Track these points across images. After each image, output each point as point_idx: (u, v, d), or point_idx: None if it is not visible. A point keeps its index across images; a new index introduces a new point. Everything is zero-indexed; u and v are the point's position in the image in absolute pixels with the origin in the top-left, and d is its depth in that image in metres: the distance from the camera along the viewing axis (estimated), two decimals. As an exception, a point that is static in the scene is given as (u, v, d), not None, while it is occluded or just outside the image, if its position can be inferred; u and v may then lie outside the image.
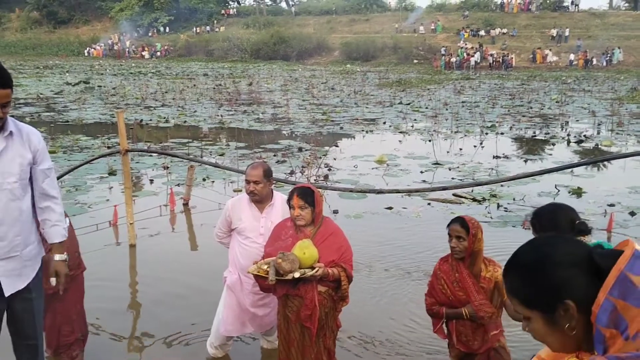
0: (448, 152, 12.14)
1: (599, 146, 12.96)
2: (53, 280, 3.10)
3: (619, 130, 15.06)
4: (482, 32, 47.95)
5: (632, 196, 8.59)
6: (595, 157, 11.24)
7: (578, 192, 8.68)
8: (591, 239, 2.60)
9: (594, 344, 1.09)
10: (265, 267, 3.23)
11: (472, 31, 48.18)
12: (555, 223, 2.62)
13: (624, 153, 7.46)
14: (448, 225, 3.18)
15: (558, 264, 1.13)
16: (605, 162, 10.96)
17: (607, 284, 1.07)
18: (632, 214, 7.71)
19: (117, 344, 4.41)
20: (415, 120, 17.09)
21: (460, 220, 3.14)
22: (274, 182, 3.92)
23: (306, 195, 3.35)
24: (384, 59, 47.15)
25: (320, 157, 11.36)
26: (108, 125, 15.79)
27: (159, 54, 56.94)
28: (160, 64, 48.12)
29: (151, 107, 20.26)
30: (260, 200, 3.79)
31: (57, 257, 3.10)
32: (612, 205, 7.98)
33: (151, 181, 9.62)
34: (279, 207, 3.83)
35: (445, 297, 3.16)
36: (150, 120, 17.07)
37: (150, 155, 11.42)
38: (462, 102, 21.75)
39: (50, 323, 3.71)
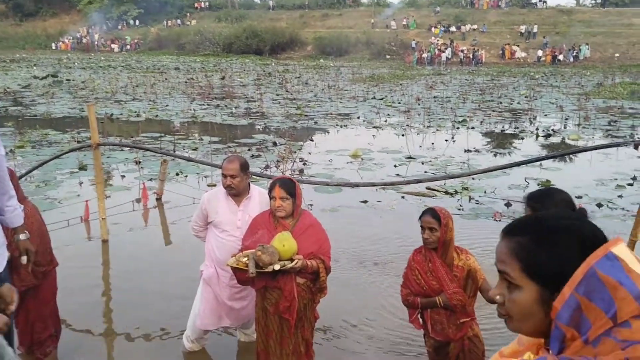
0: (421, 146, 12.27)
1: (566, 140, 13.26)
2: (24, 259, 3.12)
3: (585, 125, 15.41)
4: (452, 28, 48.46)
5: (599, 188, 8.82)
6: (563, 151, 11.49)
7: (547, 185, 8.87)
8: None
9: (550, 341, 1.02)
10: (244, 259, 3.24)
11: (443, 27, 48.65)
12: (554, 205, 2.55)
13: (590, 146, 7.65)
14: (420, 218, 3.22)
15: (583, 241, 1.03)
16: (572, 156, 11.22)
17: (575, 279, 0.99)
18: (599, 205, 7.93)
19: (90, 340, 4.37)
20: (388, 115, 17.20)
21: (432, 212, 3.20)
22: (251, 175, 3.92)
23: (288, 187, 3.37)
24: (357, 54, 47.30)
25: (295, 152, 11.37)
26: (77, 120, 15.53)
27: (128, 47, 56.12)
28: (130, 58, 47.40)
29: (122, 101, 19.97)
30: (237, 193, 3.79)
31: (22, 236, 3.13)
32: (579, 197, 8.17)
33: (123, 176, 9.50)
34: (256, 201, 3.83)
35: (419, 287, 3.21)
36: (121, 114, 16.84)
37: (122, 150, 11.29)
38: (434, 97, 21.98)
39: (23, 320, 3.67)
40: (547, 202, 2.61)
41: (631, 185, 8.97)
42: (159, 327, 4.52)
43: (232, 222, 3.80)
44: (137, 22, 60.78)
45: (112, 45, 56.54)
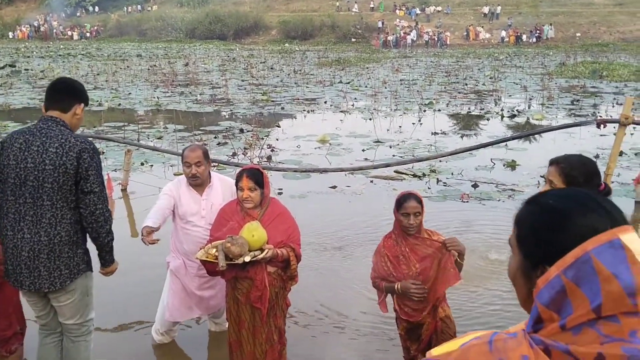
0: (388, 130, 12.31)
1: (531, 120, 13.47)
2: None
3: (549, 104, 15.69)
4: (417, 10, 48.56)
5: (563, 167, 8.98)
6: (528, 131, 11.66)
7: (512, 165, 9.01)
8: None
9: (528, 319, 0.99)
10: (213, 251, 3.18)
11: (407, 9, 48.72)
12: (593, 176, 2.51)
13: (554, 126, 7.78)
14: (400, 204, 3.15)
15: (574, 228, 0.97)
16: (537, 135, 11.40)
17: (565, 261, 0.94)
18: (563, 184, 8.08)
19: (59, 336, 4.26)
20: (355, 99, 17.19)
21: (415, 197, 3.17)
22: (212, 163, 3.88)
23: (256, 177, 3.32)
24: (322, 38, 47.05)
25: (263, 138, 11.28)
26: (38, 110, 15.07)
27: (88, 34, 54.69)
28: (90, 45, 46.22)
29: (83, 90, 19.48)
30: (201, 182, 3.74)
31: None
32: (544, 176, 8.32)
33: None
34: (218, 188, 3.80)
35: (386, 272, 3.22)
36: (83, 104, 16.42)
37: (85, 141, 11.01)
38: (401, 80, 22.05)
39: (-14, 318, 3.56)
40: (581, 170, 2.53)
41: (593, 163, 9.16)
42: (126, 320, 4.45)
43: (196, 212, 3.75)
44: (97, 9, 59.19)
45: (71, 33, 55.00)
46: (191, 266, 3.79)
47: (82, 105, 3.18)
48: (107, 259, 3.25)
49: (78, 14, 59.46)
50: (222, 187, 3.80)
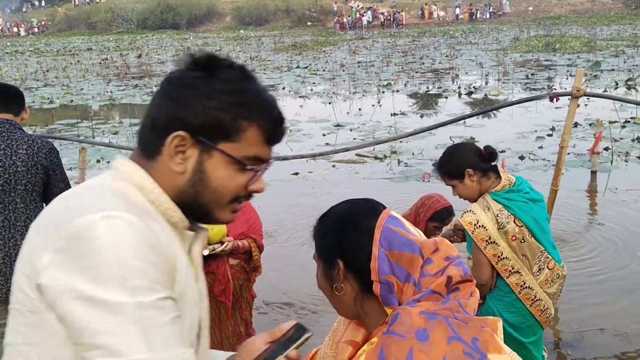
0: (348, 113, 12.29)
1: (488, 96, 13.64)
2: None
3: (505, 80, 15.92)
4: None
5: (521, 141, 9.14)
6: (485, 108, 11.80)
7: (471, 142, 9.11)
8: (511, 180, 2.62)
9: (383, 301, 1.10)
10: (170, 248, 3.10)
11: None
12: (466, 157, 2.59)
13: (510, 101, 7.89)
14: (440, 219, 3.17)
15: (348, 224, 1.18)
16: (494, 111, 11.56)
17: (375, 239, 1.11)
18: (522, 157, 8.22)
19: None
20: (314, 83, 17.12)
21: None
22: None
23: None
24: (277, 23, 46.66)
25: (221, 128, 11.12)
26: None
27: (36, 30, 52.99)
28: (38, 41, 44.74)
29: (32, 88, 18.86)
30: None
31: None
32: (502, 151, 8.44)
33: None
34: None
35: None
36: (33, 102, 15.90)
37: (37, 140, 10.66)
38: (358, 62, 22.04)
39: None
40: (451, 165, 2.63)
41: (550, 136, 9.35)
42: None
43: None
44: (43, 3, 57.38)
45: (18, 29, 53.15)
46: None
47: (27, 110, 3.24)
48: None
49: (24, 10, 57.55)
50: None
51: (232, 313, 3.31)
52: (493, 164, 2.58)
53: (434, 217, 3.16)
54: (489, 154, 2.57)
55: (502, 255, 2.49)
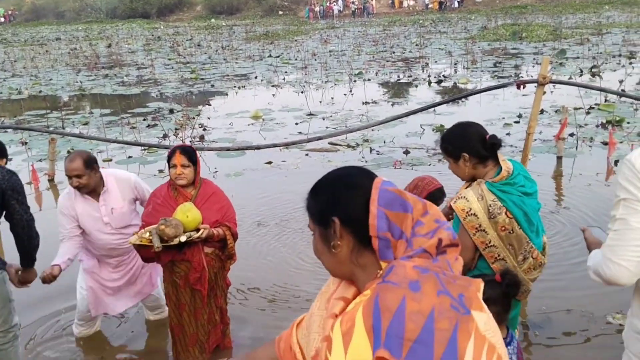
0: (320, 102, 12.34)
1: (457, 84, 13.84)
2: None
3: (473, 68, 16.14)
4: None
5: (489, 128, 9.11)
6: (454, 96, 11.97)
7: (441, 130, 9.26)
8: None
9: (381, 256, 1.18)
10: (147, 235, 3.13)
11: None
12: (467, 141, 2.61)
13: (478, 89, 8.04)
14: (437, 199, 3.25)
15: (337, 183, 1.25)
16: (463, 99, 11.75)
17: (374, 198, 1.18)
18: (490, 145, 8.39)
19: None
20: (286, 72, 17.10)
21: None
22: (99, 168, 3.55)
23: (189, 154, 3.27)
24: (248, 12, 46.29)
25: (194, 118, 11.08)
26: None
27: (2, 19, 51.51)
28: (5, 31, 43.58)
29: (0, 78, 18.48)
30: (91, 190, 3.51)
31: None
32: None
33: (9, 159, 8.84)
34: (114, 190, 3.60)
35: None
36: (1, 93, 15.59)
37: (5, 132, 10.47)
38: (330, 51, 22.06)
39: None
40: (455, 141, 2.64)
41: (517, 122, 9.56)
42: (52, 316, 4.33)
43: (98, 220, 3.55)
44: (8, -9, 55.78)
45: (-19, 18, 51.67)
46: (106, 264, 3.72)
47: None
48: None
49: (-13, -2, 55.83)
50: (120, 187, 3.61)
51: (208, 301, 3.37)
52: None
53: (428, 198, 3.23)
54: (491, 145, 2.59)
55: (490, 243, 2.55)
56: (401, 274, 1.11)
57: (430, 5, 43.66)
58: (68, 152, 8.95)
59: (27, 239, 3.18)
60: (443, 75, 15.09)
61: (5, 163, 3.35)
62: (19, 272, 3.29)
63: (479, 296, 1.12)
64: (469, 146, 2.59)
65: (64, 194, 3.63)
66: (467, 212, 2.54)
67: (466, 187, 2.68)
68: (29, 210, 3.17)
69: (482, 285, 1.16)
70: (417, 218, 1.18)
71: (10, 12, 52.22)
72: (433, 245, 1.15)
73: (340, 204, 1.22)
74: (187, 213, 3.13)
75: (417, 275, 1.10)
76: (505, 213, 2.52)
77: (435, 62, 18.08)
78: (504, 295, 2.18)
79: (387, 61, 18.65)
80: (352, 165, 1.31)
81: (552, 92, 11.55)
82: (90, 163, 3.46)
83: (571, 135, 8.44)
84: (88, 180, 3.44)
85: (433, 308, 1.05)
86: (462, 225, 2.55)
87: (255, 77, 16.53)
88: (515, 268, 2.60)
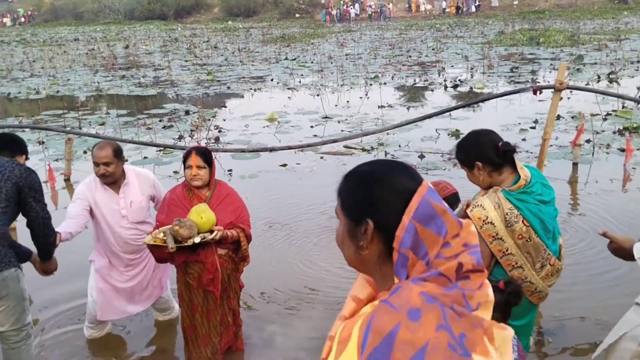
0: (336, 105, 12.34)
1: (473, 89, 13.76)
2: None
3: (490, 73, 16.05)
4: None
5: (504, 133, 9.22)
6: (470, 100, 11.92)
7: (456, 134, 9.22)
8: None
9: (395, 271, 1.11)
10: (161, 235, 3.15)
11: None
12: (479, 149, 2.60)
13: (494, 94, 7.99)
14: (452, 205, 3.23)
15: (380, 182, 1.15)
16: (479, 104, 11.68)
17: (411, 208, 1.10)
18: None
19: None
20: (302, 75, 17.13)
21: None
22: (125, 160, 3.63)
23: (204, 155, 3.30)
24: (265, 15, 46.47)
25: (209, 119, 11.14)
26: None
27: (22, 20, 52.27)
28: (24, 31, 44.19)
29: (19, 78, 18.71)
30: (113, 181, 3.58)
31: None
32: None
33: (27, 158, 8.95)
34: (134, 184, 3.66)
35: None
36: (19, 92, 15.80)
37: (23, 131, 10.60)
38: (346, 55, 22.07)
39: None
40: (469, 150, 2.65)
41: (533, 128, 9.48)
42: (64, 314, 4.35)
43: (115, 212, 3.61)
44: (28, -8, 56.57)
45: (4, 19, 52.42)
46: (118, 264, 3.74)
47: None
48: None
49: (10, 0, 56.74)
50: (139, 182, 3.67)
51: (221, 303, 3.37)
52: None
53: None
54: (504, 152, 2.57)
55: (507, 251, 2.54)
56: (404, 298, 1.04)
57: (447, 10, 43.52)
58: (84, 152, 9.05)
59: (42, 236, 3.22)
60: (459, 80, 15.03)
61: (25, 160, 3.42)
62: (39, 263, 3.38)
63: (485, 341, 1.04)
64: (482, 154, 2.59)
65: (83, 183, 3.69)
66: (483, 221, 2.52)
67: (482, 194, 2.66)
68: (45, 208, 3.21)
69: (499, 332, 1.07)
70: (447, 240, 1.10)
71: (29, 13, 52.94)
72: (451, 269, 1.07)
73: (380, 208, 1.13)
74: (202, 214, 3.14)
75: (421, 303, 1.03)
76: (522, 221, 2.51)
77: (452, 66, 18.01)
78: (505, 303, 2.18)
79: (403, 65, 18.62)
80: (400, 162, 1.22)
81: (568, 98, 11.45)
82: (119, 153, 3.57)
83: (588, 141, 8.36)
84: (115, 169, 3.53)
85: (427, 342, 0.99)
86: (478, 233, 2.52)
87: (271, 80, 16.58)
88: (533, 276, 2.58)
